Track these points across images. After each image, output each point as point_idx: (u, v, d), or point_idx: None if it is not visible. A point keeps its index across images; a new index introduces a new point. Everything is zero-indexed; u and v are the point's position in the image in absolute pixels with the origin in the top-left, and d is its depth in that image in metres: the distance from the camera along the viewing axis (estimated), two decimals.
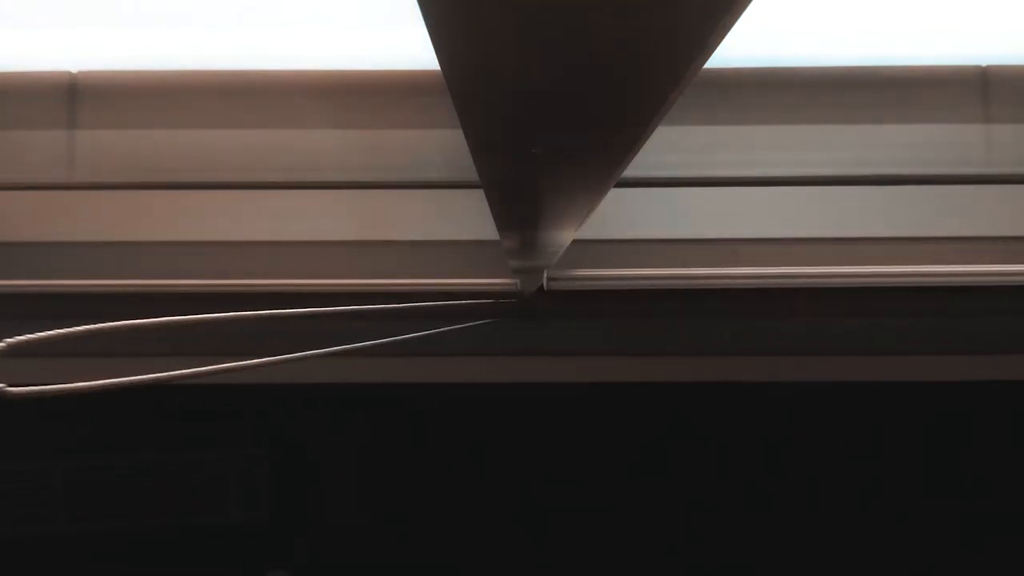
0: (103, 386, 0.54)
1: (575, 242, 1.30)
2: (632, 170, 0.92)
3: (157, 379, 0.59)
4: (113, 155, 1.71)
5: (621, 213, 1.69)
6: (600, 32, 0.48)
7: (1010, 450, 2.17)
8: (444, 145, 1.69)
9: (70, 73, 1.70)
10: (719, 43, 0.49)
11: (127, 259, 1.71)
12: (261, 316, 0.74)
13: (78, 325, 0.56)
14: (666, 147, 1.67)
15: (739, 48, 1.63)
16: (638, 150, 0.74)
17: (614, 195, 1.12)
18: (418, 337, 1.35)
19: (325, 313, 0.96)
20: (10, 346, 0.51)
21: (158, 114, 1.71)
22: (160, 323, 0.63)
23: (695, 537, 2.20)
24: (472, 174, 0.87)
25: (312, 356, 0.83)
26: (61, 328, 0.56)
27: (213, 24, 1.63)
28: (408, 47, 1.62)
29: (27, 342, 0.52)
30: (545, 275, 1.63)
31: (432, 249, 1.72)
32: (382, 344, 1.03)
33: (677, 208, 1.71)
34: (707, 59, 0.52)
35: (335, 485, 2.24)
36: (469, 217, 1.69)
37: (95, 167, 1.71)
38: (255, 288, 1.66)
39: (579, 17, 0.46)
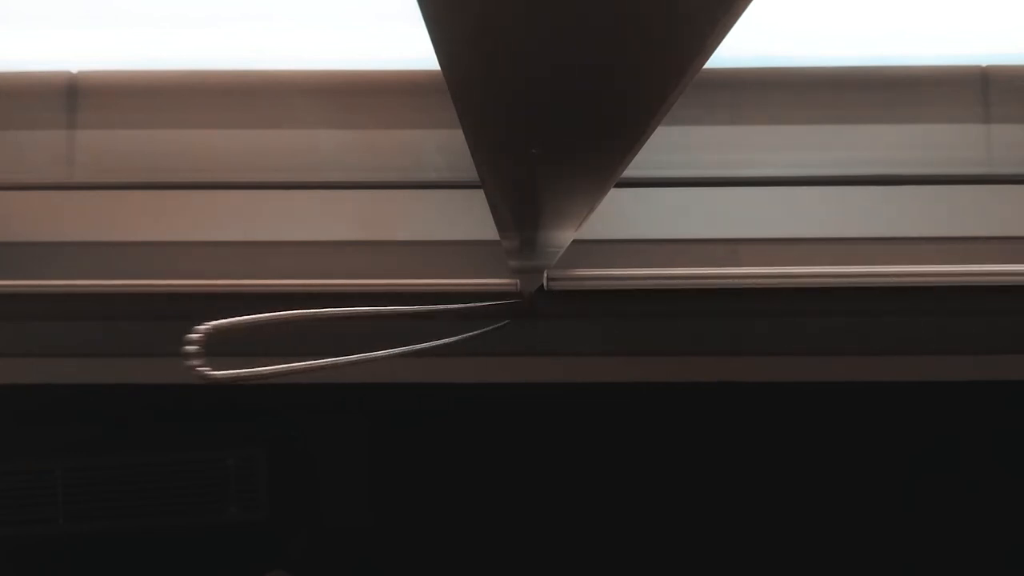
0: (292, 369, 0.60)
1: (575, 242, 1.30)
2: (632, 170, 0.92)
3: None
4: (113, 155, 1.71)
5: (621, 213, 1.69)
6: (600, 32, 0.48)
7: (1010, 450, 2.17)
8: (444, 145, 1.69)
9: (70, 73, 1.70)
10: (719, 43, 0.49)
11: (127, 259, 1.71)
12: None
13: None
14: (666, 147, 1.67)
15: (739, 48, 1.63)
16: (638, 150, 0.74)
17: (614, 195, 1.12)
18: (417, 335, 1.35)
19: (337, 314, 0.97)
20: (215, 328, 0.54)
21: (157, 114, 1.71)
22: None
23: (695, 537, 2.20)
24: (472, 174, 0.87)
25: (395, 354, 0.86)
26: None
27: (213, 24, 1.63)
28: (408, 47, 1.62)
29: (226, 326, 0.55)
30: (545, 275, 1.63)
31: (432, 249, 1.72)
32: (389, 355, 1.04)
33: (677, 208, 1.71)
34: (707, 59, 0.52)
35: (334, 485, 2.24)
36: (469, 217, 1.69)
37: (95, 167, 1.71)
38: (255, 288, 1.65)
39: (579, 17, 0.46)
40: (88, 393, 2.04)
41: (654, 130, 0.68)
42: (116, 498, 2.10)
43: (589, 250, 1.66)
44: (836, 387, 2.07)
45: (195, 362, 0.53)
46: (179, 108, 1.71)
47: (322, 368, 0.67)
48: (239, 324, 0.58)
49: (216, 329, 0.55)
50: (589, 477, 2.20)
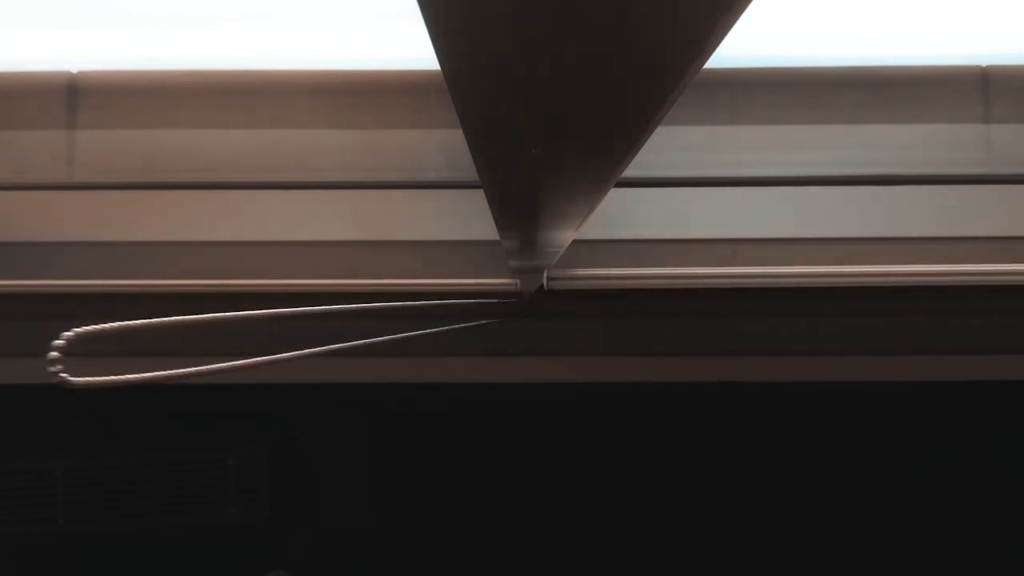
0: (157, 378, 0.56)
1: (575, 242, 1.30)
2: (632, 170, 0.92)
3: (201, 372, 0.61)
4: (113, 155, 1.71)
5: (621, 213, 1.69)
6: (600, 32, 0.48)
7: (1010, 450, 2.17)
8: (444, 145, 1.69)
9: (70, 73, 1.70)
10: (719, 43, 0.49)
11: (127, 259, 1.71)
12: (272, 315, 0.75)
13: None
14: (666, 147, 1.67)
15: (739, 48, 1.63)
16: (638, 150, 0.74)
17: (614, 195, 1.12)
18: (417, 335, 1.35)
19: (327, 311, 0.96)
20: (78, 336, 0.52)
21: (158, 114, 1.71)
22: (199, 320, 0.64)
23: (695, 537, 2.20)
24: (472, 174, 0.87)
25: (311, 354, 0.83)
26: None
27: (213, 24, 1.63)
28: (408, 47, 1.62)
29: (93, 332, 0.53)
30: (545, 275, 1.63)
31: (432, 249, 1.72)
32: (381, 342, 1.02)
33: (677, 208, 1.71)
34: (707, 59, 0.52)
35: (334, 485, 2.24)
36: (469, 217, 1.69)
37: (95, 167, 1.71)
38: (255, 288, 1.65)
39: (579, 17, 0.46)
40: (88, 393, 2.03)
41: (654, 130, 0.68)
42: (116, 498, 2.10)
43: (589, 250, 1.66)
44: (836, 387, 2.07)
45: (56, 368, 0.52)
46: (179, 108, 1.71)
47: (202, 374, 0.61)
48: (108, 330, 0.56)
49: (79, 336, 0.54)
50: (589, 477, 2.20)
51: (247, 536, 2.18)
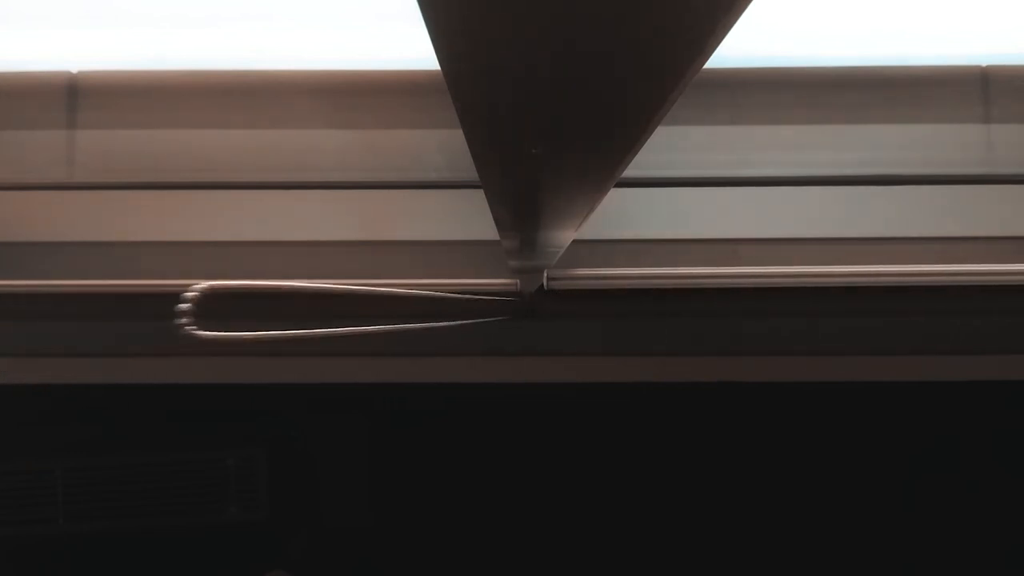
0: (292, 336, 0.58)
1: (575, 242, 1.30)
2: (632, 170, 0.92)
3: (329, 333, 0.63)
4: (113, 155, 1.71)
5: (621, 213, 1.69)
6: (600, 33, 0.48)
7: (1010, 450, 2.17)
8: (444, 145, 1.69)
9: (70, 73, 1.70)
10: (719, 43, 0.49)
11: (127, 259, 1.71)
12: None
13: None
14: (666, 147, 1.67)
15: (739, 48, 1.63)
16: (638, 150, 0.74)
17: (614, 195, 1.12)
18: (417, 334, 1.35)
19: (333, 291, 0.96)
20: (203, 292, 0.53)
21: (158, 114, 1.71)
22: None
23: (695, 537, 2.20)
24: (472, 174, 0.87)
25: (312, 335, 0.83)
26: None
27: (213, 24, 1.64)
28: (408, 47, 1.62)
29: (221, 288, 0.54)
30: (545, 275, 1.63)
31: (432, 249, 1.72)
32: (380, 331, 1.03)
33: (677, 208, 1.71)
34: (707, 59, 0.52)
35: (334, 485, 2.24)
36: (469, 217, 1.69)
37: (95, 167, 1.71)
38: (255, 288, 1.65)
39: (579, 17, 0.46)
40: (88, 393, 2.04)
41: (654, 130, 0.68)
42: (116, 498, 2.10)
43: (589, 250, 1.66)
44: (836, 387, 2.07)
45: (185, 320, 0.53)
46: (179, 108, 1.71)
47: (311, 337, 0.64)
48: (234, 288, 0.58)
49: (211, 289, 0.55)
50: (589, 477, 2.20)
51: (247, 536, 2.18)
